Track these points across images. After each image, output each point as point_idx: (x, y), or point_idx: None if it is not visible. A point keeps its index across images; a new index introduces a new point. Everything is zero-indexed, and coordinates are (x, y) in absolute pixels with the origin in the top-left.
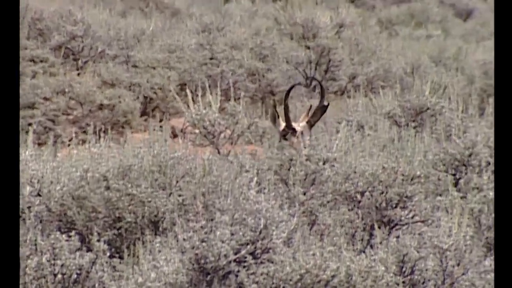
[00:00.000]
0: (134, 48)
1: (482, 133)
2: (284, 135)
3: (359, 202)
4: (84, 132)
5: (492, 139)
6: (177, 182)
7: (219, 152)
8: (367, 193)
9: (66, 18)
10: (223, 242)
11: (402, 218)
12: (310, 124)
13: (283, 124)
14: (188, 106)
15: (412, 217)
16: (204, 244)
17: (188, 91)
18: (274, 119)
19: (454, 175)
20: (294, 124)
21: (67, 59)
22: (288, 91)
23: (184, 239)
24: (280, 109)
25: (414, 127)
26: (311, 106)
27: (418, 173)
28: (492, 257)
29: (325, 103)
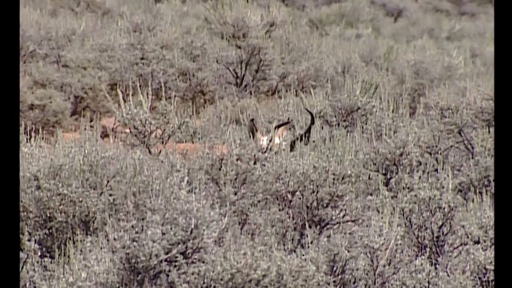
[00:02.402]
0: (65, 47)
1: (412, 132)
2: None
3: (290, 201)
4: None
5: (423, 138)
6: (108, 181)
7: (150, 152)
8: (298, 193)
9: None
10: (154, 241)
11: (333, 217)
12: (291, 146)
13: (262, 138)
14: (119, 105)
15: (343, 217)
16: (135, 243)
17: (119, 90)
18: (252, 132)
19: (385, 174)
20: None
21: None
22: (277, 127)
23: (114, 239)
24: (250, 124)
25: (345, 127)
26: (288, 119)
27: (349, 172)
28: (423, 257)
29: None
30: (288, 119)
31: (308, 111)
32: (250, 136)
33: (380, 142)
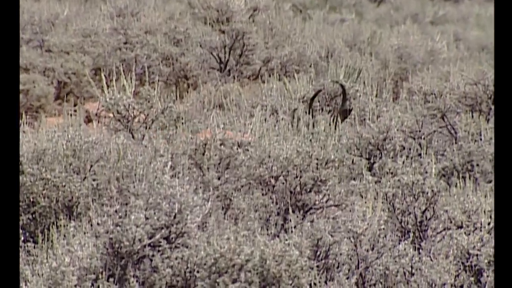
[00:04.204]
0: (48, 32)
1: (396, 117)
2: None
3: (273, 186)
4: None
5: (406, 123)
6: (91, 166)
7: (133, 137)
8: (281, 178)
9: None
10: (137, 226)
11: (316, 202)
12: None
13: None
14: (103, 90)
15: (326, 201)
16: (118, 228)
17: (102, 75)
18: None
19: (368, 159)
20: None
21: None
22: (314, 97)
23: (98, 224)
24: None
25: (329, 112)
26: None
27: (332, 157)
28: (406, 242)
29: (348, 107)
30: (320, 89)
31: (337, 82)
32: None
33: (364, 127)
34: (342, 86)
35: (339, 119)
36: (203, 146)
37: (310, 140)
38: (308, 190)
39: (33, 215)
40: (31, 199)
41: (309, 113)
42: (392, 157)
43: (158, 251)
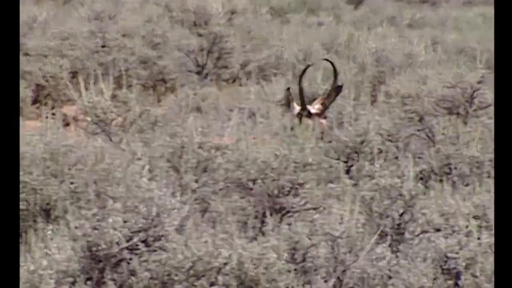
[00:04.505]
0: (26, 35)
1: (373, 120)
2: (299, 118)
3: (251, 189)
4: None
5: (384, 126)
6: (69, 169)
7: (111, 140)
8: (259, 181)
9: None
10: (115, 229)
11: (294, 205)
12: (325, 106)
13: (297, 108)
14: (80, 94)
15: (304, 205)
16: (96, 231)
17: (80, 78)
18: (288, 103)
19: (346, 162)
20: (309, 107)
21: None
22: (303, 73)
23: (76, 227)
24: (294, 93)
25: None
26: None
27: (310, 160)
28: (384, 245)
29: (339, 83)
30: (309, 64)
31: (327, 60)
32: (286, 107)
33: (341, 130)
34: (332, 63)
35: (331, 98)
36: (180, 149)
37: (288, 144)
38: (286, 193)
39: None
40: None
41: (299, 90)
42: (369, 160)
43: (136, 254)
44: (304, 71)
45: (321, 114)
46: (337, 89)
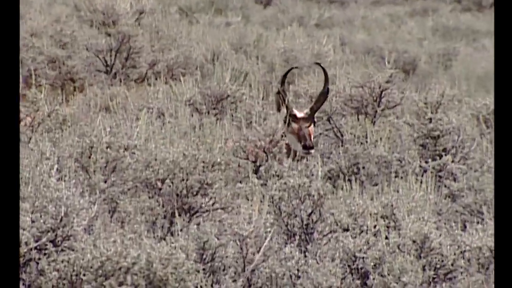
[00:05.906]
0: None
1: (282, 120)
2: (287, 123)
3: (160, 189)
4: None
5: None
6: None
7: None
8: (167, 181)
9: None
10: (23, 229)
11: (203, 205)
12: (313, 110)
13: (285, 112)
14: None
15: (213, 204)
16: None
17: None
18: (279, 107)
19: (254, 162)
20: (295, 111)
21: None
22: (285, 76)
23: None
24: (276, 97)
25: (215, 114)
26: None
27: (219, 160)
28: (292, 245)
29: (327, 88)
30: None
31: (318, 64)
32: (277, 111)
33: (250, 129)
34: (323, 68)
35: (319, 103)
36: (89, 149)
37: (197, 144)
38: (195, 193)
39: None
40: None
41: (281, 92)
42: (278, 160)
43: (45, 254)
44: (286, 74)
45: (308, 118)
46: (325, 94)
